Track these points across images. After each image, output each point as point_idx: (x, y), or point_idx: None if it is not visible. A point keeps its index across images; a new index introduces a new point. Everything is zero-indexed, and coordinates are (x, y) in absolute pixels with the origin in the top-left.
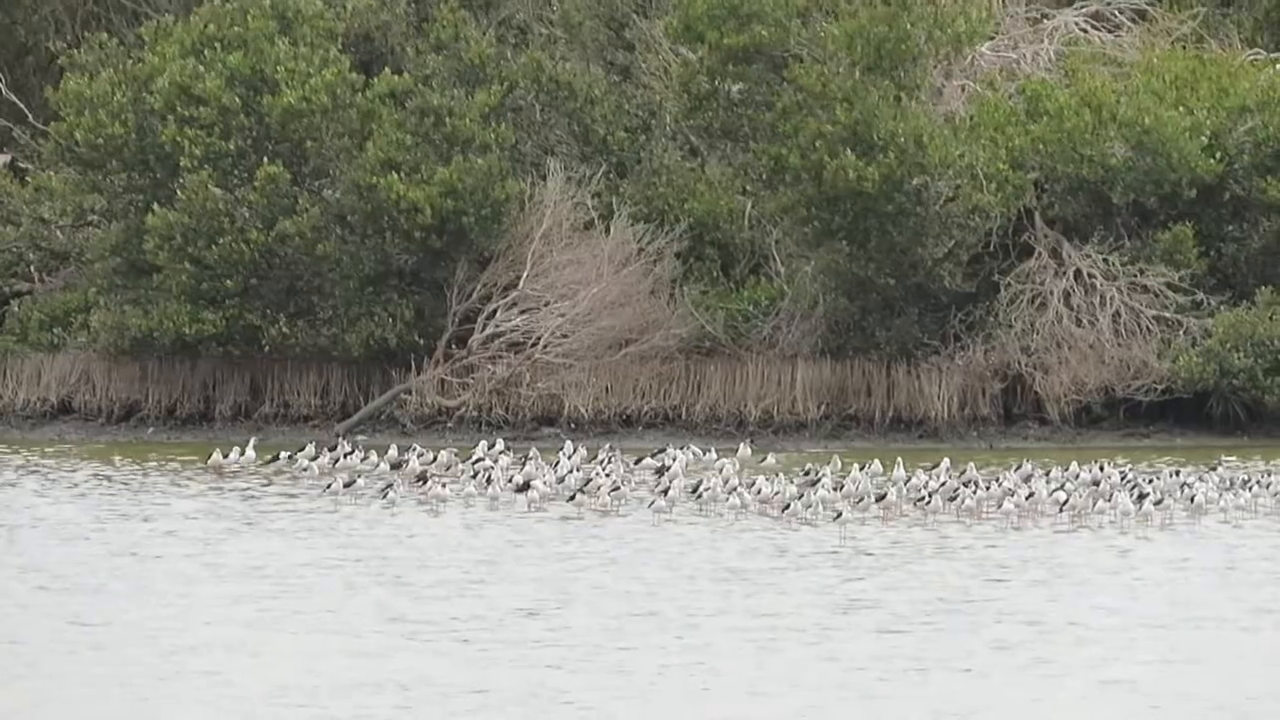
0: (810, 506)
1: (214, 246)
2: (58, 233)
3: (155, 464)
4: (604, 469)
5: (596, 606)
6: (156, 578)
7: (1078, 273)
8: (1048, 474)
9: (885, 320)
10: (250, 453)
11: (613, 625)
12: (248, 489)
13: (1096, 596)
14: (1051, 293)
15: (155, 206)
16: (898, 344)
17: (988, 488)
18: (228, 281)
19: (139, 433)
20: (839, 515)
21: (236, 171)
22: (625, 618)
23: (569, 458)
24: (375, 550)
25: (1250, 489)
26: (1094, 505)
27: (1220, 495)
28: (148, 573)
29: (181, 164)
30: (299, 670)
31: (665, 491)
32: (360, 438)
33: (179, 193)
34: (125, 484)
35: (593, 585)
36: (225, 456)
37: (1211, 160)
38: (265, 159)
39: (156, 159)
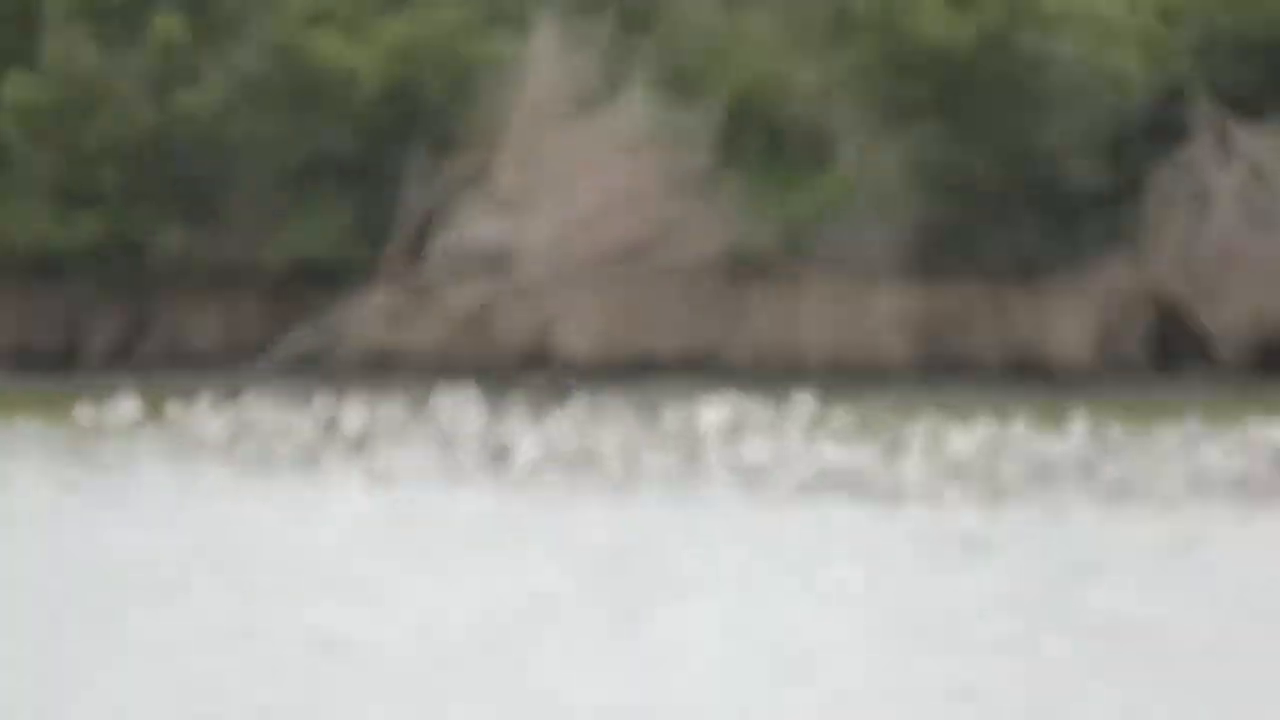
0: (896, 485)
1: (88, 128)
2: None
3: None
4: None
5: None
6: None
7: (1253, 165)
8: None
9: (994, 229)
10: (128, 406)
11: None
12: (118, 459)
13: None
14: (1217, 191)
15: (10, 73)
16: (1011, 261)
17: None
18: (105, 175)
19: None
20: (935, 499)
21: (119, 27)
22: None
23: (564, 411)
24: (287, 547)
25: None
26: None
27: None
28: None
29: (46, 16)
30: None
31: (694, 457)
32: (277, 386)
33: (43, 55)
34: None
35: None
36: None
37: None
38: (157, 12)
39: (12, 9)
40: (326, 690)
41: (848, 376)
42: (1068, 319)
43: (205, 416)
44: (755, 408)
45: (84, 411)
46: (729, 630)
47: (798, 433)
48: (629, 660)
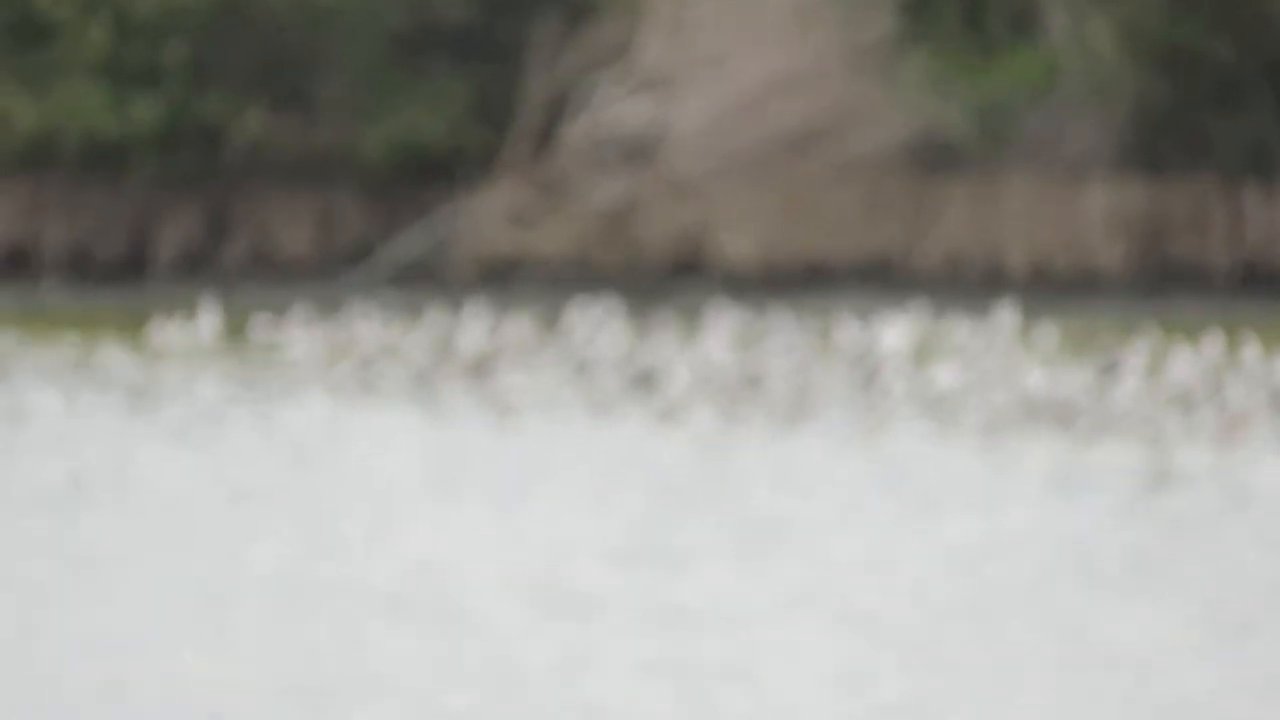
0: (1110, 411)
1: None
2: None
3: (48, 340)
4: (783, 350)
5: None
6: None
7: None
8: None
9: (1226, 113)
10: (206, 323)
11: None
12: (196, 386)
13: None
14: None
15: None
16: (1244, 153)
17: None
18: (167, 50)
19: (28, 292)
20: (1152, 426)
21: None
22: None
23: (721, 330)
24: (391, 484)
25: None
26: None
27: None
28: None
29: None
30: None
31: (874, 384)
32: (382, 297)
33: None
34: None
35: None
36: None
37: None
38: None
39: None
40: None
41: (1053, 287)
42: None
43: (297, 335)
44: (945, 325)
45: (157, 331)
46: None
47: (995, 355)
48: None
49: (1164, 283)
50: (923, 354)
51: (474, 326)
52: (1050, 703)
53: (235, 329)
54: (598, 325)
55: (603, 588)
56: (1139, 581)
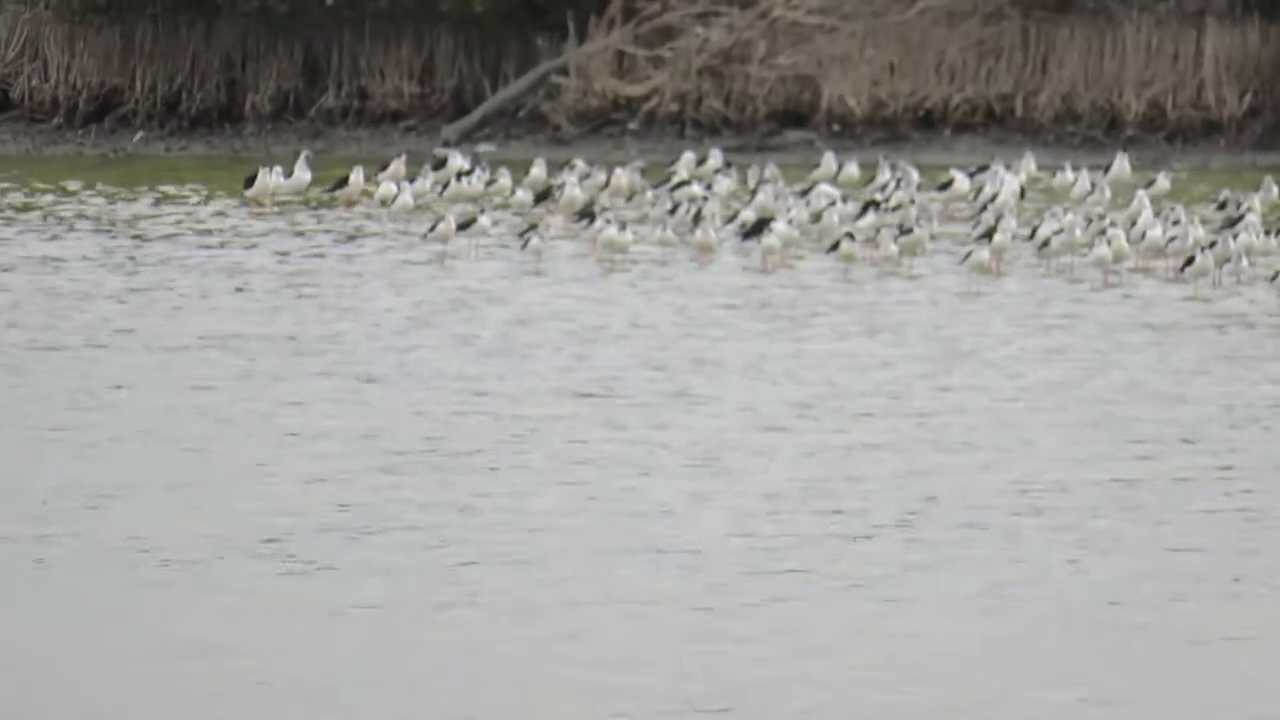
0: (1229, 260)
1: None
2: None
3: (148, 192)
4: (886, 195)
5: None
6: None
7: None
8: None
9: None
10: (301, 173)
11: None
12: (292, 234)
13: None
14: None
15: None
16: None
17: None
18: None
19: (119, 140)
20: (1276, 276)
21: None
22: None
23: (830, 179)
24: (496, 343)
25: None
26: None
27: None
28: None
29: None
30: None
31: (989, 234)
32: (484, 148)
33: None
34: (105, 228)
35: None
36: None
37: None
38: None
39: None
40: None
41: (1171, 136)
42: None
43: (399, 186)
44: (1060, 172)
45: (265, 179)
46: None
47: (1109, 204)
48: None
49: None
50: (1038, 201)
51: (580, 176)
52: None
53: (332, 179)
54: (706, 174)
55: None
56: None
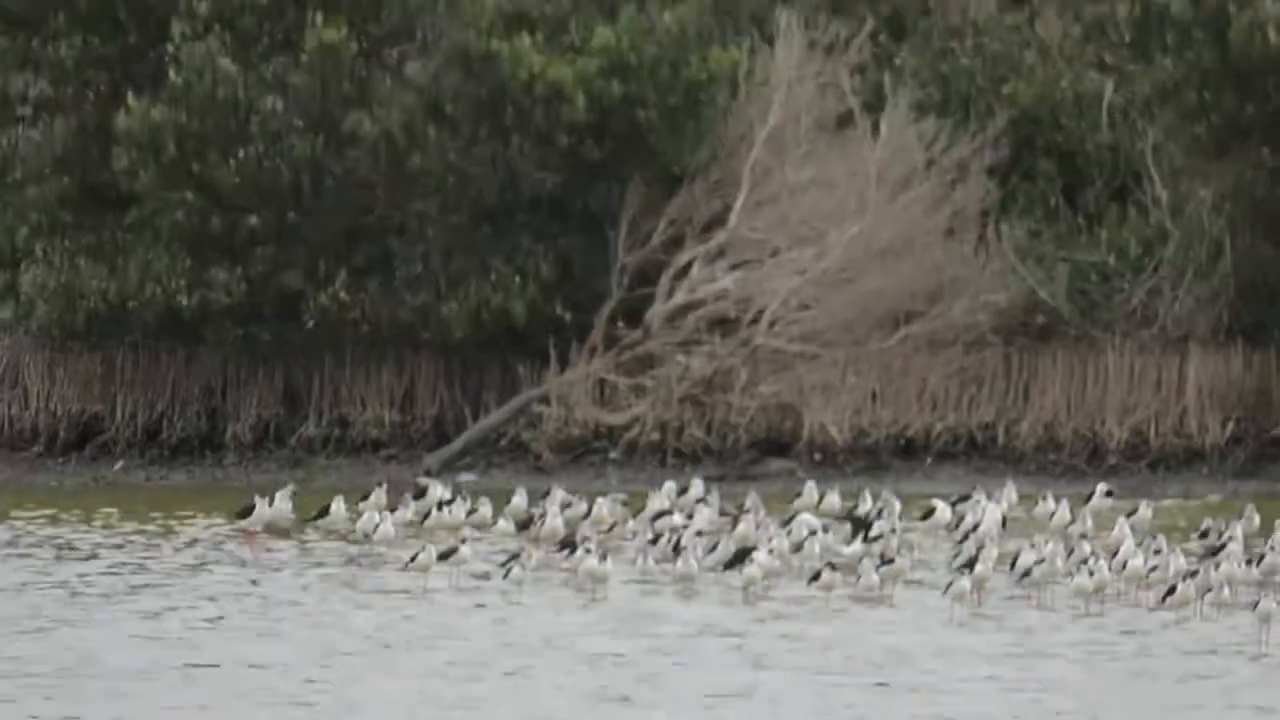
0: (1210, 589)
1: (229, 162)
2: None
3: (125, 523)
4: (873, 525)
5: None
6: None
7: None
8: None
9: None
10: (283, 503)
11: None
12: (270, 568)
13: None
14: None
15: (130, 95)
16: None
17: None
18: (250, 220)
19: (100, 468)
20: (1258, 605)
21: (266, 34)
22: None
23: (811, 509)
24: (485, 670)
25: None
26: None
27: None
28: None
29: (175, 26)
30: None
31: (969, 564)
32: (465, 477)
33: (170, 71)
34: (75, 559)
35: None
36: (248, 516)
37: None
38: (314, 12)
39: (133, 14)
40: None
41: (1154, 464)
42: None
43: (380, 515)
44: (1042, 501)
45: (262, 509)
46: None
47: (1092, 533)
48: None
49: (1267, 458)
50: (1020, 532)
51: (561, 505)
52: None
53: (313, 508)
54: (686, 503)
55: None
56: None
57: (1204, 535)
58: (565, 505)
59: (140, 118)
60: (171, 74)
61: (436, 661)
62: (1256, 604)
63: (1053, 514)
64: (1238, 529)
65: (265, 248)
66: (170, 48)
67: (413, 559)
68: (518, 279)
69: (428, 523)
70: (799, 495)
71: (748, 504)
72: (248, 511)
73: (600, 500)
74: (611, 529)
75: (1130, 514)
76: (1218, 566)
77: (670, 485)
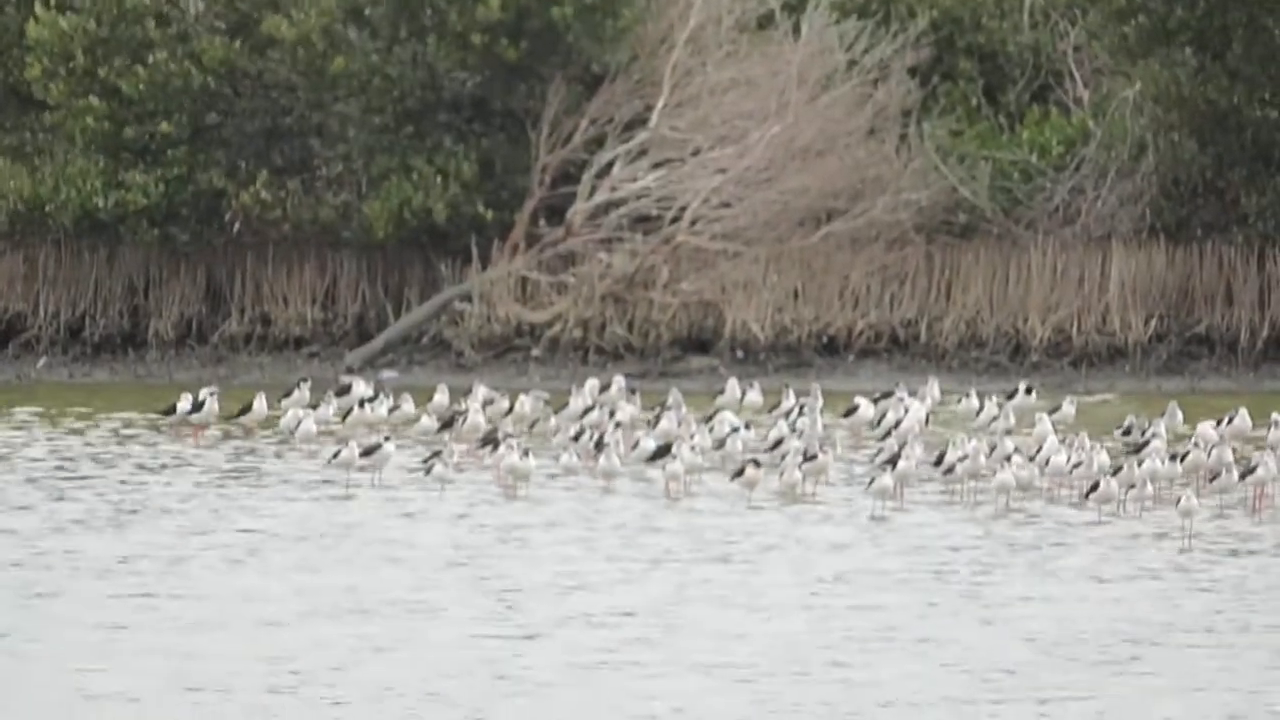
0: (1133, 485)
1: (140, 66)
2: None
3: (46, 421)
4: (792, 423)
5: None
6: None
7: None
8: None
9: (1257, 179)
10: (208, 401)
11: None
12: (185, 462)
13: None
14: None
15: (39, 4)
16: (1278, 219)
17: None
18: (165, 123)
19: (23, 365)
20: (1180, 501)
21: None
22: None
23: (734, 406)
24: (398, 574)
25: None
26: None
27: None
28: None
29: None
30: None
31: (892, 462)
32: (387, 375)
33: None
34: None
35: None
36: (175, 410)
37: None
38: None
39: None
40: None
41: (1076, 361)
42: None
43: (302, 413)
44: (964, 399)
45: (184, 404)
46: None
47: (1011, 433)
48: None
49: (1189, 355)
50: (941, 429)
51: (483, 402)
52: None
53: (237, 405)
54: (608, 399)
55: None
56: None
57: (1127, 432)
58: (487, 402)
59: (49, 26)
60: None
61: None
62: (1179, 500)
63: (976, 411)
64: (1160, 426)
65: (180, 150)
66: None
67: (335, 455)
68: (439, 178)
69: (349, 420)
70: (721, 392)
71: (669, 401)
72: (171, 410)
73: (522, 397)
74: (534, 425)
75: (1053, 411)
76: (1141, 463)
77: (592, 382)
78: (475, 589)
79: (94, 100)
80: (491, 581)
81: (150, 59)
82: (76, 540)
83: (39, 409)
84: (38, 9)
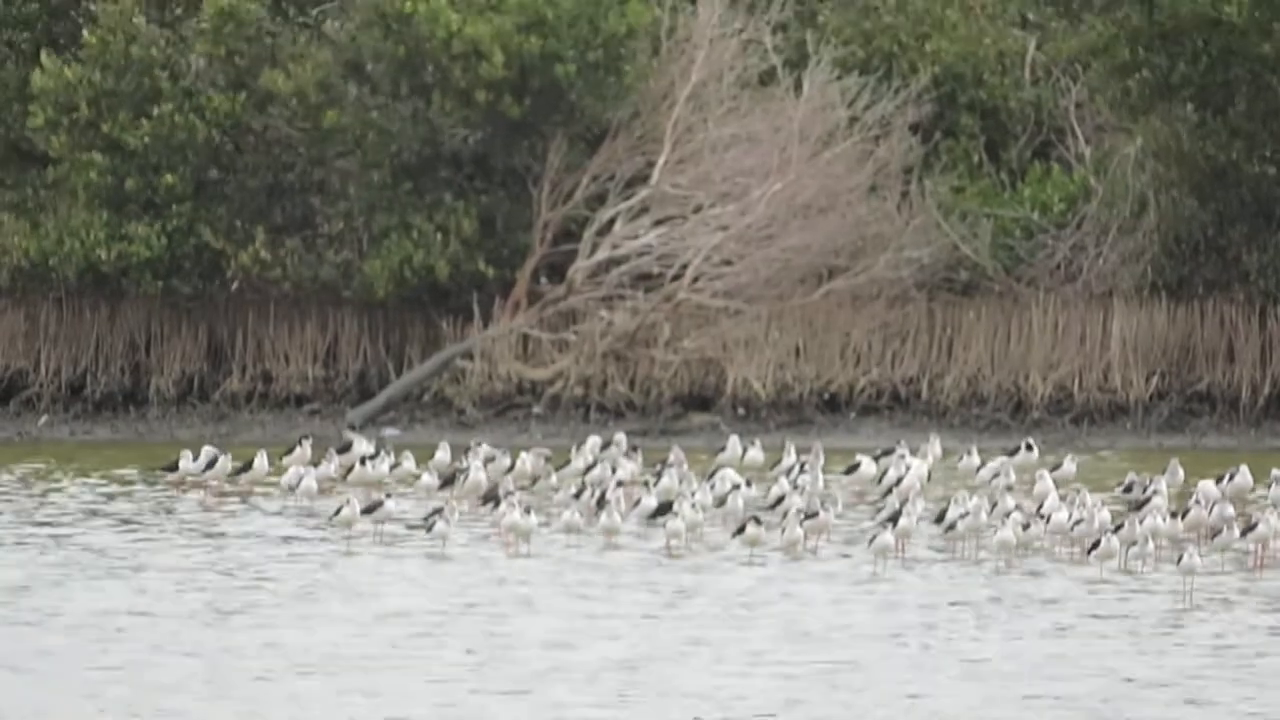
0: (1134, 543)
1: (144, 120)
2: None
3: (48, 479)
4: (793, 480)
5: None
6: None
7: None
8: None
9: (1259, 236)
10: (208, 460)
11: None
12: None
13: None
14: None
15: (44, 54)
16: (1278, 276)
17: None
18: (169, 177)
19: (24, 423)
20: (1182, 559)
21: None
22: None
23: (735, 464)
24: (406, 632)
25: None
26: None
27: None
28: None
29: None
30: None
31: (893, 519)
32: (389, 432)
33: (85, 31)
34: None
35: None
36: (175, 467)
37: None
38: None
39: None
40: None
41: (1077, 419)
42: None
43: (303, 470)
44: (965, 456)
45: (186, 462)
46: None
47: (1012, 490)
48: None
49: (1190, 412)
50: (943, 487)
51: (484, 459)
52: None
53: (238, 462)
54: (610, 458)
55: None
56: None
57: (1128, 489)
58: (489, 460)
59: (54, 76)
60: (86, 33)
61: (358, 614)
62: (1180, 558)
63: (977, 468)
64: (1162, 483)
65: (184, 205)
66: (88, 6)
67: (336, 513)
68: (440, 236)
69: (351, 477)
70: (722, 450)
71: (671, 459)
72: (173, 467)
73: (524, 454)
74: (535, 483)
75: (1054, 468)
76: (1142, 520)
77: (594, 440)
78: (469, 643)
79: (97, 155)
80: (487, 638)
81: (155, 111)
82: None
83: (41, 465)
84: (43, 58)
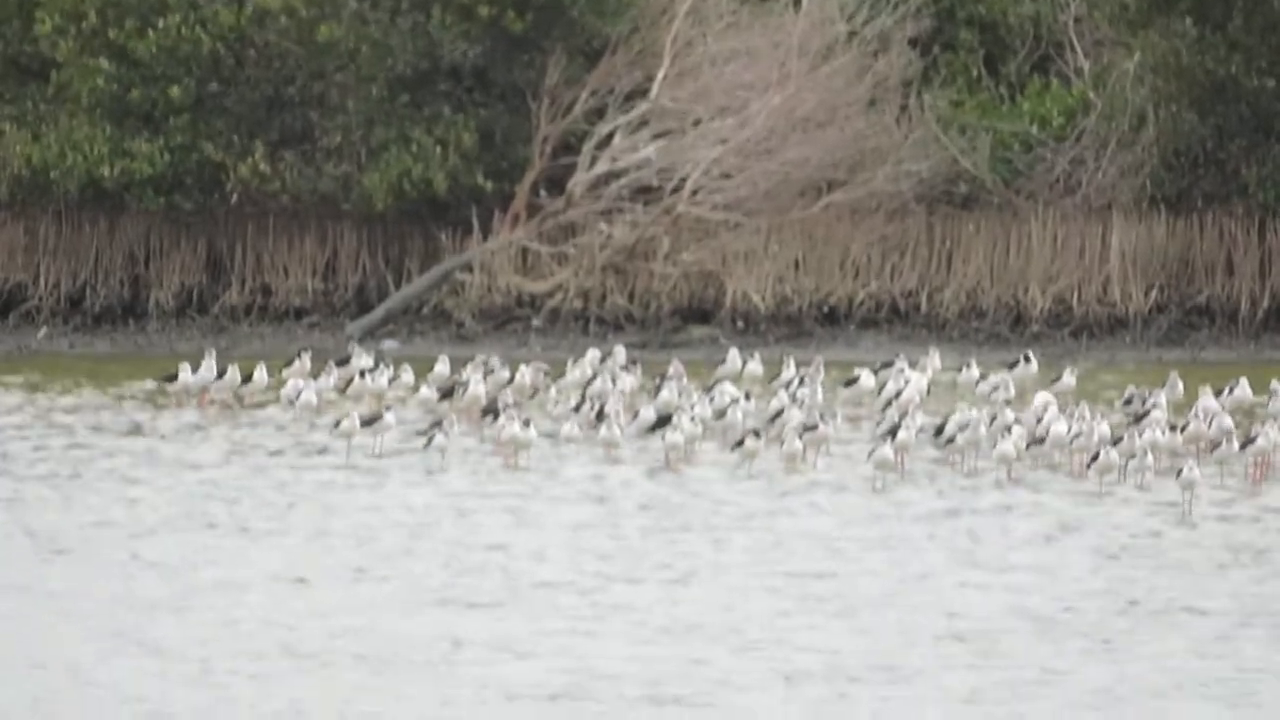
0: (1134, 456)
1: (148, 32)
2: None
3: (50, 389)
4: (793, 393)
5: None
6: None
7: None
8: None
9: (1258, 149)
10: (207, 370)
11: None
12: (187, 430)
13: None
14: None
15: None
16: (1278, 189)
17: None
18: (172, 89)
19: (23, 336)
20: (1181, 472)
21: None
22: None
23: (734, 376)
24: (408, 543)
25: None
26: None
27: None
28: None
29: None
30: None
31: (892, 432)
32: (388, 345)
33: None
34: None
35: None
36: (173, 379)
37: None
38: None
39: None
40: None
41: (1076, 331)
42: None
43: (303, 383)
44: (964, 370)
45: (185, 375)
46: None
47: (1008, 403)
48: None
49: (1189, 325)
50: (941, 399)
51: (483, 372)
52: None
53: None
54: (608, 370)
55: None
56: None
57: (1128, 403)
58: (488, 372)
59: None
60: None
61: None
62: (1180, 471)
63: (976, 381)
64: (1161, 396)
65: (184, 117)
66: None
67: (336, 425)
68: (439, 149)
69: (350, 390)
70: (722, 363)
71: (670, 371)
72: (173, 378)
73: (523, 367)
74: (534, 395)
75: (1054, 381)
76: (1141, 434)
77: (593, 353)
78: (462, 555)
79: (103, 61)
80: (477, 551)
81: (161, 23)
82: None
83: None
84: None
